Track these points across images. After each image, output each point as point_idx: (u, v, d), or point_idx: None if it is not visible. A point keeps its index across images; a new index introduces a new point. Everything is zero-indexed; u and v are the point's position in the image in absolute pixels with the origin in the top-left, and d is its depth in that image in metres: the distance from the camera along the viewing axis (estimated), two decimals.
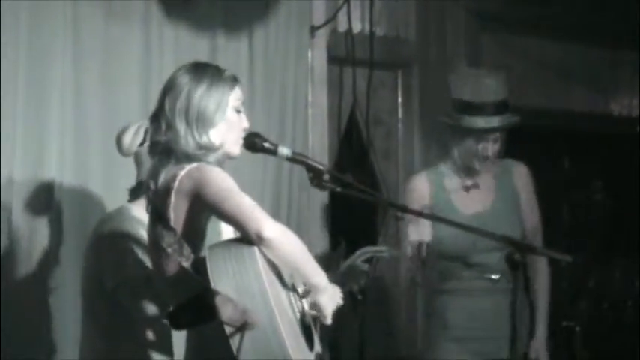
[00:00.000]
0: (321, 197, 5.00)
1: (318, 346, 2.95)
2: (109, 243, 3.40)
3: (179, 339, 2.95)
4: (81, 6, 4.21)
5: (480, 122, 4.04)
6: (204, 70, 2.94)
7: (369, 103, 5.23)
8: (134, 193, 3.48)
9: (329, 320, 2.91)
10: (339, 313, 2.94)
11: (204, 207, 2.80)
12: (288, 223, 4.74)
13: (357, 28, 5.23)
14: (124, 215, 3.45)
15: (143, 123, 3.48)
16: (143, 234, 3.28)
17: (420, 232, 3.93)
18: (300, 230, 4.79)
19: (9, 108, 3.98)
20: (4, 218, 3.95)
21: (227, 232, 2.91)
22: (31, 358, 3.97)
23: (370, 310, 4.68)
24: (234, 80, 2.97)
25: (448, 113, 4.15)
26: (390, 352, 5.32)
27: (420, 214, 3.58)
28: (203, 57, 4.42)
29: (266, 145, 3.03)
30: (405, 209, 3.32)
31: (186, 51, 4.45)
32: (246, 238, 2.74)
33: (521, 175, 4.22)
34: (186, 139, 2.87)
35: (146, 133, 3.41)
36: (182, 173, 2.83)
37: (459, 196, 4.14)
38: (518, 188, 4.20)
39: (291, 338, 2.72)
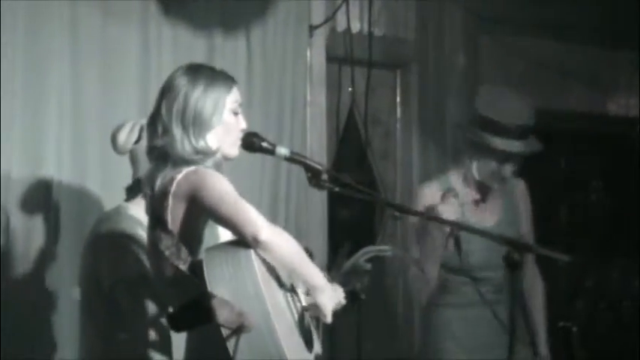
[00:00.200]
0: (320, 197, 5.00)
1: (318, 347, 2.95)
2: (107, 242, 3.40)
3: (179, 340, 2.95)
4: (79, 6, 4.21)
5: (508, 145, 3.98)
6: (201, 72, 2.93)
7: (367, 102, 5.23)
8: (131, 192, 3.47)
9: (329, 319, 2.91)
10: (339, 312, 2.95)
11: (201, 210, 2.80)
12: (286, 223, 4.75)
13: (355, 27, 5.22)
14: (122, 214, 3.45)
15: (138, 121, 3.48)
16: (140, 233, 3.28)
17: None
18: (298, 230, 4.79)
19: (7, 107, 3.98)
20: (2, 217, 3.95)
21: (225, 235, 2.90)
22: (30, 357, 3.97)
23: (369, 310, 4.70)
24: (232, 82, 2.96)
25: (470, 127, 4.09)
26: (389, 352, 5.32)
27: (420, 214, 3.55)
28: (201, 56, 4.43)
29: (264, 144, 3.03)
30: (403, 209, 3.31)
31: (185, 51, 4.46)
32: (243, 241, 2.74)
33: (522, 191, 4.23)
34: (183, 143, 2.86)
35: (141, 130, 3.42)
36: (179, 176, 2.82)
37: (468, 209, 4.10)
38: (520, 207, 4.21)
39: (288, 339, 2.73)
